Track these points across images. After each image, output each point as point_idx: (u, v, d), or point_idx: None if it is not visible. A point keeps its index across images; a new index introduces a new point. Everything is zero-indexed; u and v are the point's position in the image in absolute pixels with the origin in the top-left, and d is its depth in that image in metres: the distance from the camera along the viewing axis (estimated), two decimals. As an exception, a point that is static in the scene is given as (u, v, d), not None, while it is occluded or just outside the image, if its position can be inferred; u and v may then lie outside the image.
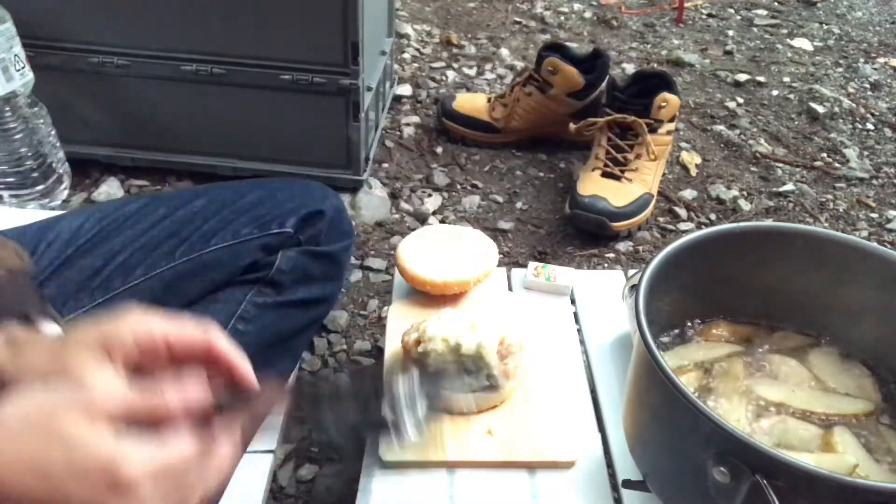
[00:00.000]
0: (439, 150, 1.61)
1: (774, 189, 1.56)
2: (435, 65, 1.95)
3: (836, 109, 1.86)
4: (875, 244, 0.71)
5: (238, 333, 0.77)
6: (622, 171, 1.39)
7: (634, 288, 0.66)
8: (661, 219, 1.45)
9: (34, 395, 0.41)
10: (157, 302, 0.75)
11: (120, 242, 0.77)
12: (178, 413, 0.42)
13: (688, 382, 0.68)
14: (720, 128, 1.76)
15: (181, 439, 0.42)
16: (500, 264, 0.96)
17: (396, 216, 1.42)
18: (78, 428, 0.40)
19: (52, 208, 1.30)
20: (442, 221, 1.41)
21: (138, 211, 0.81)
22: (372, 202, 1.43)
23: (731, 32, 2.27)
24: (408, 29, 2.09)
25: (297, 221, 0.83)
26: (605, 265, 1.33)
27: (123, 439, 0.40)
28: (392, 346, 0.85)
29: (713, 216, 1.48)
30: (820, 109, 1.84)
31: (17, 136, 1.23)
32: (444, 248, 0.92)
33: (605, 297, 0.97)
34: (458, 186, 1.51)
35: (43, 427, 0.40)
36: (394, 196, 1.46)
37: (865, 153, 1.71)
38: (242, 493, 0.74)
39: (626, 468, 0.73)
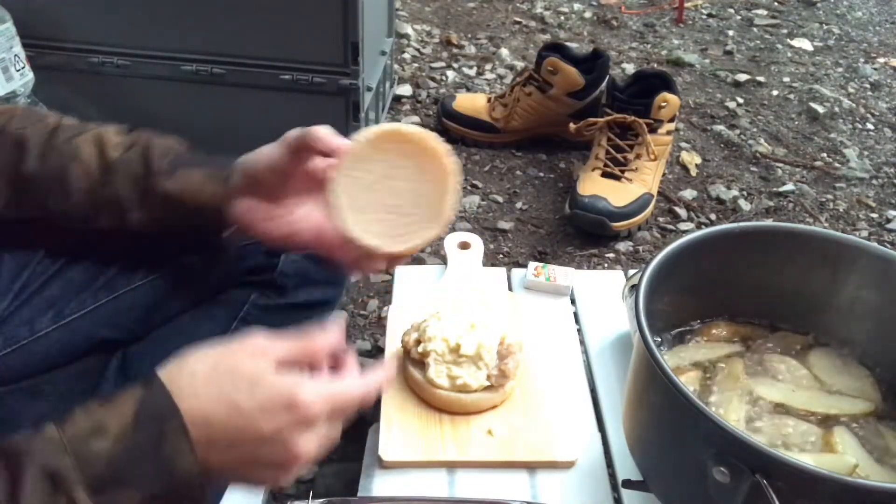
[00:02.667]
0: (439, 150, 1.61)
1: (774, 189, 1.56)
2: (435, 65, 1.95)
3: (836, 109, 1.86)
4: (875, 244, 0.71)
5: (240, 335, 0.77)
6: (622, 171, 1.39)
7: (634, 288, 0.66)
8: (661, 219, 1.45)
9: (214, 350, 0.50)
10: (160, 303, 0.75)
11: (124, 243, 0.76)
12: (325, 352, 0.54)
13: (688, 382, 0.68)
14: (720, 128, 1.76)
15: (338, 375, 0.54)
16: (500, 264, 0.96)
17: (396, 216, 1.42)
18: (258, 367, 0.49)
19: (52, 208, 1.30)
20: (442, 221, 1.41)
21: None
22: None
23: (731, 32, 2.27)
24: (408, 29, 2.09)
25: None
26: (605, 265, 1.33)
27: (293, 373, 0.50)
28: (392, 346, 0.85)
29: (713, 216, 1.48)
30: (820, 109, 1.84)
31: (17, 136, 1.23)
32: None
33: (605, 297, 0.97)
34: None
35: (229, 372, 0.49)
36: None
37: (865, 153, 1.71)
38: (242, 493, 0.74)
39: (626, 468, 0.73)
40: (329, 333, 0.54)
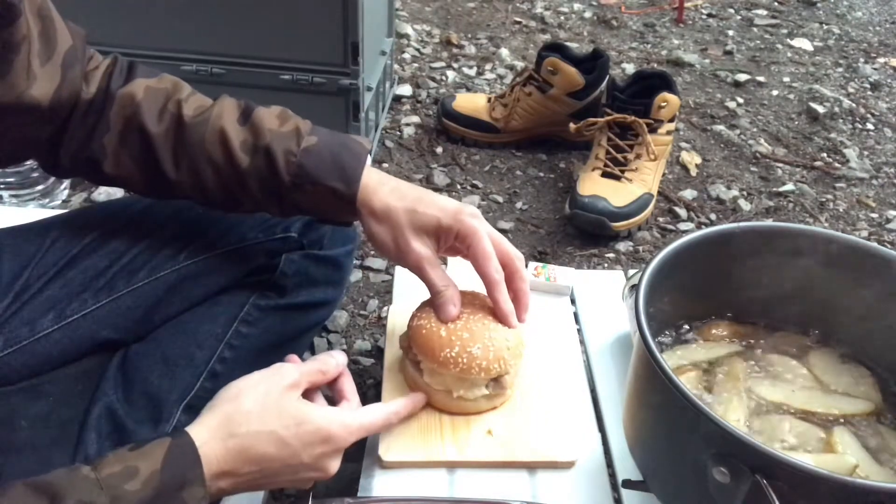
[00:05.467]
0: (439, 150, 1.61)
1: (774, 189, 1.56)
2: (435, 65, 1.95)
3: (836, 109, 1.86)
4: (875, 244, 0.71)
5: (241, 336, 0.77)
6: (622, 171, 1.39)
7: (634, 288, 0.66)
8: (661, 219, 1.46)
9: (257, 385, 0.61)
10: (160, 304, 0.75)
11: (124, 244, 0.77)
12: (337, 371, 0.68)
13: (688, 382, 0.68)
14: (720, 128, 1.76)
15: (364, 407, 0.67)
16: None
17: (396, 216, 1.42)
18: (298, 405, 0.61)
19: (52, 208, 1.30)
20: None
21: (143, 212, 0.81)
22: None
23: (731, 32, 2.27)
24: (408, 29, 2.09)
25: (301, 225, 0.83)
26: (605, 265, 1.33)
27: (323, 406, 0.64)
28: (392, 346, 0.85)
29: (713, 216, 1.48)
30: (820, 109, 1.84)
31: (18, 137, 1.23)
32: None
33: (605, 297, 0.97)
34: (458, 186, 1.51)
35: (275, 409, 0.59)
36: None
37: (865, 153, 1.71)
38: (242, 493, 0.74)
39: (626, 468, 0.73)
40: (336, 355, 0.68)
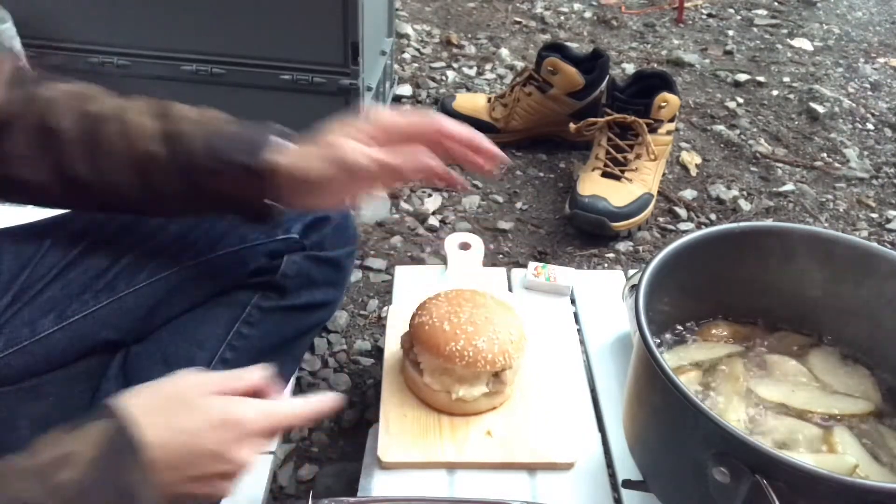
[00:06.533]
0: (439, 150, 1.61)
1: (774, 189, 1.56)
2: (435, 65, 1.95)
3: (836, 109, 1.86)
4: (875, 244, 0.71)
5: (242, 337, 0.77)
6: (622, 171, 1.39)
7: (634, 288, 0.66)
8: (661, 219, 1.45)
9: (159, 383, 0.56)
10: (162, 305, 0.75)
11: (125, 244, 0.76)
12: (251, 386, 0.59)
13: (688, 382, 0.68)
14: (720, 128, 1.76)
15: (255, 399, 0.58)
16: (500, 264, 0.96)
17: (396, 216, 1.42)
18: (196, 392, 0.55)
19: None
20: (442, 221, 1.42)
21: None
22: (372, 202, 1.42)
23: (731, 32, 2.27)
24: (408, 29, 2.09)
25: (302, 227, 0.83)
26: (605, 265, 1.33)
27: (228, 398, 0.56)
28: (392, 346, 0.85)
29: (713, 216, 1.48)
30: (820, 109, 1.84)
31: (18, 137, 1.23)
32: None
33: (605, 297, 0.97)
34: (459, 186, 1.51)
35: (175, 399, 0.55)
36: (394, 196, 1.46)
37: (865, 153, 1.71)
38: (243, 493, 0.74)
39: (626, 468, 0.73)
40: (255, 373, 0.60)
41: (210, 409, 0.55)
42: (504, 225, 1.41)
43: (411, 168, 0.65)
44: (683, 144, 1.69)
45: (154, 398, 0.55)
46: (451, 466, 0.75)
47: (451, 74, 1.90)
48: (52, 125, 0.68)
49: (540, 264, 1.00)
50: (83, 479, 0.48)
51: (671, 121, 1.42)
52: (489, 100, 1.63)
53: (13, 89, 0.68)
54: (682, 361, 0.71)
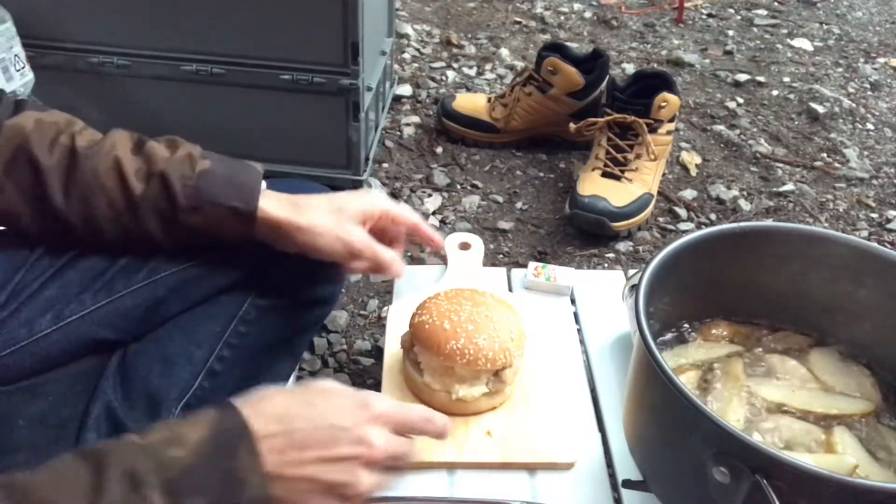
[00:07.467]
0: (439, 150, 1.61)
1: (774, 189, 1.56)
2: (435, 65, 1.95)
3: (836, 109, 1.86)
4: (875, 244, 0.71)
5: (240, 335, 0.77)
6: (622, 171, 1.39)
7: (634, 288, 0.66)
8: (661, 219, 1.45)
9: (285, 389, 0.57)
10: (160, 305, 0.75)
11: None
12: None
13: (688, 382, 0.68)
14: (720, 128, 1.76)
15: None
16: (500, 264, 0.95)
17: (396, 216, 1.42)
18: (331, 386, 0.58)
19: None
20: (442, 221, 1.42)
21: None
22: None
23: (731, 32, 2.27)
24: (408, 29, 2.09)
25: None
26: (605, 265, 1.33)
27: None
28: (392, 346, 0.85)
29: (713, 216, 1.48)
30: (820, 109, 1.84)
31: (17, 136, 1.23)
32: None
33: (605, 297, 0.97)
34: (458, 186, 1.51)
35: (305, 390, 0.57)
36: (394, 196, 1.46)
37: (865, 153, 1.71)
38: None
39: (626, 468, 0.73)
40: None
41: (343, 393, 0.56)
42: (504, 225, 1.41)
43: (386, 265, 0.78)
44: (683, 144, 1.69)
45: (283, 392, 0.56)
46: (451, 466, 0.74)
47: (451, 74, 1.90)
48: (28, 156, 0.68)
49: (540, 264, 1.00)
50: (190, 458, 0.48)
51: (671, 121, 1.42)
52: (489, 100, 1.63)
53: None
54: (682, 361, 0.71)
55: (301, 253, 0.75)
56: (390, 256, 0.79)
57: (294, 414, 0.53)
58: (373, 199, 0.81)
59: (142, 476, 0.46)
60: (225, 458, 0.49)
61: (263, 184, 0.75)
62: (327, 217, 0.75)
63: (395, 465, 0.58)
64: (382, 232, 0.82)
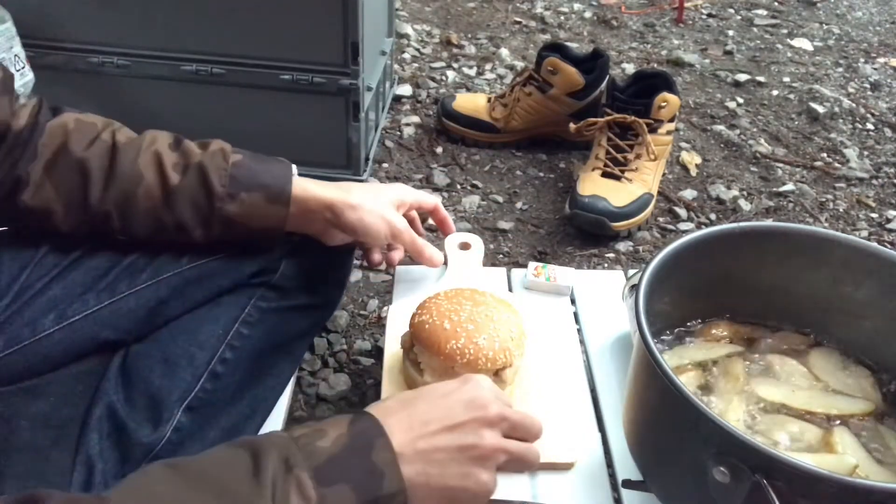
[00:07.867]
0: (439, 150, 1.61)
1: (774, 189, 1.56)
2: (435, 65, 1.95)
3: (836, 109, 1.86)
4: (875, 244, 0.71)
5: (242, 337, 0.77)
6: (622, 171, 1.39)
7: (634, 288, 0.66)
8: (661, 219, 1.46)
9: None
10: (162, 305, 0.75)
11: (126, 245, 0.76)
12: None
13: (688, 382, 0.68)
14: (720, 128, 1.76)
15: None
16: (500, 264, 0.96)
17: (396, 216, 1.42)
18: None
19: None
20: (442, 221, 1.41)
21: None
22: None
23: (731, 32, 2.27)
24: (408, 29, 2.09)
25: None
26: (605, 265, 1.33)
27: None
28: (392, 346, 0.85)
29: (713, 216, 1.48)
30: (820, 109, 1.84)
31: (18, 137, 1.23)
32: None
33: (605, 297, 0.97)
34: (458, 186, 1.51)
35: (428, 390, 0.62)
36: (394, 196, 1.46)
37: (865, 153, 1.71)
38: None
39: (626, 468, 0.73)
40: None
41: (463, 390, 0.61)
42: (504, 225, 1.41)
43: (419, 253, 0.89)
44: (683, 144, 1.69)
45: (397, 399, 0.60)
46: (451, 466, 0.74)
47: (451, 74, 1.90)
48: (70, 153, 0.71)
49: (540, 264, 1.00)
50: (334, 449, 0.53)
51: (671, 121, 1.42)
52: (489, 100, 1.63)
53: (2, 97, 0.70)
54: (682, 361, 0.71)
55: (343, 234, 0.81)
56: (425, 243, 0.88)
57: (412, 397, 0.60)
58: (404, 189, 0.87)
59: (294, 460, 0.51)
60: (363, 451, 0.54)
61: (295, 170, 0.78)
62: (372, 199, 0.80)
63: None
64: (411, 222, 0.88)
